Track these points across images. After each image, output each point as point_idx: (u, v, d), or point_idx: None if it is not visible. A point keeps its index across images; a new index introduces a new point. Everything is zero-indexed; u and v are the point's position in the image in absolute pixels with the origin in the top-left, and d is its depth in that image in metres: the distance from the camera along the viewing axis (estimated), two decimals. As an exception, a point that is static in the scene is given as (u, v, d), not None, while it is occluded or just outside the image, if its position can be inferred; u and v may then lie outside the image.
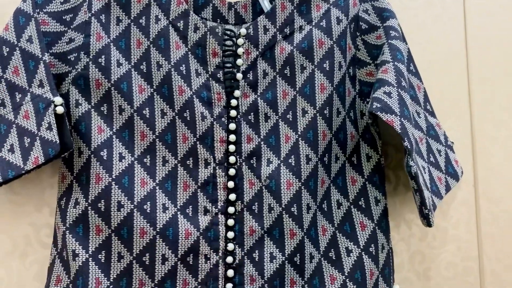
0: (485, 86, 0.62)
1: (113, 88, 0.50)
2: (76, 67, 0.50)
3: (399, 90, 0.50)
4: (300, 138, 0.51)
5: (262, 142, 0.52)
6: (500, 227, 0.60)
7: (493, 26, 0.63)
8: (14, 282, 0.51)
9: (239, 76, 0.52)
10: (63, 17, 0.51)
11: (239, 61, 0.53)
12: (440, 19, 0.63)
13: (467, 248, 0.59)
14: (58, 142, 0.45)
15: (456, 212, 0.59)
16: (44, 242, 0.52)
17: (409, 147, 0.47)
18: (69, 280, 0.47)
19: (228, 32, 0.53)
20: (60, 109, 0.46)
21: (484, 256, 0.59)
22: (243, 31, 0.53)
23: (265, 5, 0.56)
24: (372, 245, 0.53)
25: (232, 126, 0.51)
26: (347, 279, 0.51)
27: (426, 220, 0.49)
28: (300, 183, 0.50)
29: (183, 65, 0.52)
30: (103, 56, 0.51)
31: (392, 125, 0.48)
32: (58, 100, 0.47)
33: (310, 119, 0.52)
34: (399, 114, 0.48)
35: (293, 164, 0.51)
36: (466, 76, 0.62)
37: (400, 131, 0.47)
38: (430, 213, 0.49)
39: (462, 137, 0.61)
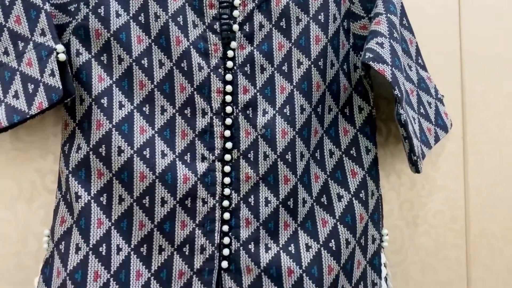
0: (477, 42, 0.63)
1: (112, 38, 0.52)
2: (76, 17, 0.52)
3: (391, 41, 0.51)
4: (295, 89, 0.53)
5: (258, 93, 0.53)
6: (486, 178, 0.62)
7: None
8: (21, 225, 0.54)
9: (235, 27, 0.53)
10: (62, -32, 0.52)
11: (235, 13, 0.54)
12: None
13: (454, 198, 0.62)
14: (61, 87, 0.47)
15: (444, 163, 0.62)
16: (49, 187, 0.55)
17: (399, 95, 0.49)
18: (72, 221, 0.50)
19: (225, -16, 0.54)
20: (62, 56, 0.48)
21: (470, 206, 0.62)
22: (239, -17, 0.54)
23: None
24: (362, 191, 0.55)
25: (229, 77, 0.53)
26: (338, 223, 0.53)
27: (415, 167, 0.52)
28: (294, 132, 0.52)
29: (180, 16, 0.53)
30: (102, 6, 0.52)
31: (384, 74, 0.49)
32: (60, 47, 0.48)
33: (305, 70, 0.53)
34: (390, 63, 0.49)
35: (288, 114, 0.52)
36: (458, 32, 0.63)
37: (391, 80, 0.49)
38: (418, 160, 0.51)
39: (452, 91, 0.62)
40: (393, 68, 0.50)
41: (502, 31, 0.63)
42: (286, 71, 0.54)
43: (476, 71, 0.63)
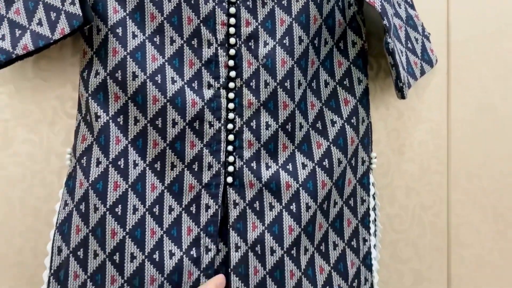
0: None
1: (125, -27, 0.56)
2: (90, -48, 0.55)
3: (381, -25, 0.55)
4: (293, 21, 0.58)
5: (259, 26, 0.58)
6: (468, 111, 0.68)
7: None
8: (45, 146, 0.60)
9: (238, -36, 0.58)
10: None
11: (238, -49, 0.58)
12: None
13: (438, 128, 0.67)
14: (81, 14, 0.51)
15: (429, 96, 0.67)
16: (69, 112, 0.60)
17: (387, 25, 0.54)
18: (92, 138, 0.55)
19: None
20: (80, -13, 0.52)
21: (452, 136, 0.68)
22: None
23: None
24: (354, 117, 0.61)
25: (232, 10, 0.57)
26: (331, 145, 0.59)
27: (401, 93, 0.57)
28: (293, 62, 0.57)
29: (187, -46, 0.57)
30: None
31: (374, 6, 0.54)
32: (79, -21, 0.52)
33: (303, 4, 0.58)
34: None
35: (287, 45, 0.57)
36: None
37: (380, 11, 0.54)
38: (404, 86, 0.57)
39: (438, 30, 0.67)
40: (382, 1, 0.54)
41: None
42: (285, 5, 0.58)
43: (461, 11, 0.67)
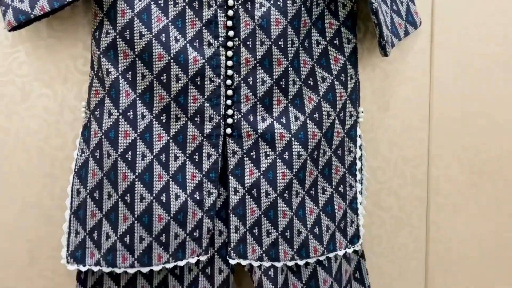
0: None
1: None
2: None
3: None
4: (286, -15, 0.62)
5: (255, -11, 0.63)
6: (451, 71, 0.73)
7: None
8: (59, 100, 0.66)
9: None
10: None
11: None
12: None
13: (420, 88, 0.73)
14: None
15: (413, 57, 0.72)
16: (80, 69, 0.65)
17: (372, -14, 0.59)
18: (104, 92, 0.61)
19: None
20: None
21: (433, 95, 0.73)
22: None
23: None
24: (343, 74, 0.66)
25: (231, -26, 0.62)
26: (321, 99, 0.65)
27: (384, 51, 0.62)
28: (286, 22, 0.62)
29: None
30: None
31: (360, -31, 0.59)
32: None
33: (295, -31, 0.62)
34: None
35: (281, 6, 0.62)
36: None
37: (366, -26, 0.59)
38: (387, 44, 0.62)
39: (423, -6, 0.72)
40: (369, -35, 0.59)
41: None
42: (279, -30, 0.63)
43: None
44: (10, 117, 0.65)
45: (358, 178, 0.68)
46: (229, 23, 0.62)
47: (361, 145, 0.69)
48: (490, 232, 0.77)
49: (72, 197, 0.62)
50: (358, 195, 0.68)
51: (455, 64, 0.73)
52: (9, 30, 0.58)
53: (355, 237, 0.68)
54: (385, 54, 0.62)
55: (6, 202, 0.67)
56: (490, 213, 0.76)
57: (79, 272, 0.63)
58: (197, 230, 0.62)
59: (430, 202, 0.75)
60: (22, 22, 0.57)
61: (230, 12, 0.62)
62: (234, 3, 0.62)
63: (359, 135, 0.69)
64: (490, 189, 0.76)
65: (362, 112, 0.69)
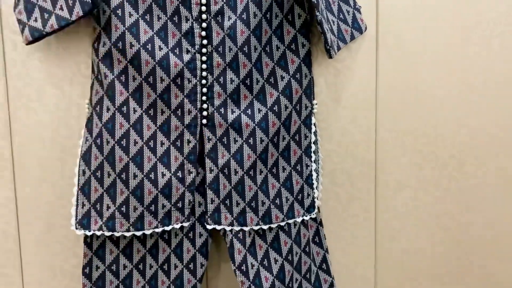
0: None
1: (121, -34, 0.74)
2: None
3: (313, -34, 0.73)
4: (250, 0, 0.76)
5: (224, 4, 0.76)
6: (394, 67, 0.87)
7: None
8: (66, 98, 0.80)
9: (207, -42, 0.75)
10: None
11: None
12: None
13: (367, 82, 0.87)
14: (90, 1, 0.70)
15: (361, 56, 0.86)
16: (84, 73, 0.80)
17: (315, 2, 0.72)
18: (103, 92, 0.75)
19: None
20: (89, -20, 0.71)
21: (378, 88, 0.87)
22: None
23: None
24: (298, 73, 0.80)
25: (204, -7, 0.76)
26: (280, 94, 0.79)
27: (328, 54, 0.76)
28: (249, 31, 0.76)
29: (168, -50, 0.75)
30: None
31: (306, -11, 0.72)
32: (87, -26, 0.71)
33: (255, -12, 0.76)
34: None
35: (245, 19, 0.76)
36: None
37: (310, -7, 0.72)
38: (331, 48, 0.76)
39: (368, 3, 0.85)
40: (313, -15, 0.73)
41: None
42: (243, -12, 0.76)
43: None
44: (28, 113, 0.80)
45: (313, 159, 0.83)
46: (203, 33, 0.76)
47: (315, 131, 0.83)
48: (429, 203, 0.91)
49: (78, 176, 0.77)
50: (313, 173, 0.82)
51: (396, 62, 0.87)
52: (26, 44, 0.73)
53: (311, 207, 0.82)
54: (330, 56, 0.76)
55: (26, 181, 0.82)
56: (429, 188, 0.91)
57: (85, 237, 0.78)
58: (180, 202, 0.77)
59: (377, 179, 0.90)
60: (37, 37, 0.72)
61: (204, 25, 0.76)
62: (207, 16, 0.76)
63: (314, 123, 0.83)
64: (428, 167, 0.90)
65: (316, 104, 0.83)
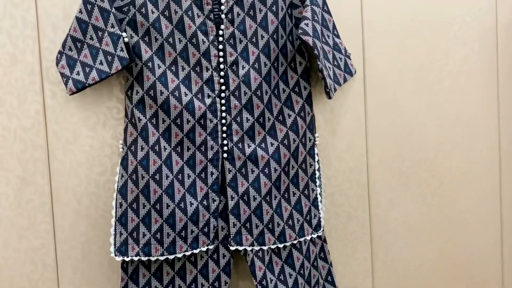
0: (375, 20, 1.01)
1: (150, 26, 0.86)
2: (128, 15, 0.86)
3: (313, 22, 0.88)
4: (260, 52, 0.90)
5: (238, 56, 0.90)
6: (380, 104, 1.02)
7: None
8: (100, 139, 0.91)
9: (223, 16, 0.89)
10: (118, -16, 0.85)
11: (222, 7, 0.89)
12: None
13: (358, 117, 1.01)
14: (128, 57, 0.82)
15: (352, 96, 1.01)
16: (115, 117, 0.91)
17: (317, 54, 0.87)
18: (137, 134, 0.86)
19: (215, -11, 0.89)
20: (126, 40, 0.83)
21: (368, 121, 1.02)
22: (224, -12, 0.89)
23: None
24: (302, 112, 0.94)
25: (221, 46, 0.89)
26: (289, 130, 0.92)
27: (328, 95, 0.90)
28: (261, 78, 0.89)
29: (189, 11, 0.88)
30: (143, 8, 0.86)
31: (308, 42, 0.86)
32: (125, 34, 0.83)
33: (266, 41, 0.90)
34: (311, 35, 0.86)
35: (257, 68, 0.89)
36: (360, 11, 1.01)
37: (312, 45, 0.86)
38: (330, 91, 0.90)
39: (356, 49, 1.00)
40: (314, 38, 0.87)
41: (399, 22, 1.01)
42: (254, 41, 0.90)
43: (373, 40, 1.01)
44: (65, 153, 0.90)
45: (317, 184, 0.95)
46: (221, 80, 0.89)
47: (318, 160, 0.96)
48: (417, 219, 1.05)
49: (116, 208, 0.86)
50: (318, 196, 0.95)
51: (381, 99, 1.02)
52: (70, 94, 0.83)
53: (318, 226, 0.95)
54: (329, 97, 0.90)
55: (63, 215, 0.90)
56: (415, 205, 1.05)
57: (123, 262, 0.87)
58: (206, 227, 0.88)
59: (370, 199, 1.03)
60: (80, 88, 0.83)
61: (222, 73, 0.89)
62: (224, 66, 0.89)
63: (317, 153, 0.96)
64: (414, 187, 1.05)
65: (318, 137, 0.96)
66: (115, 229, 0.86)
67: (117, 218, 0.86)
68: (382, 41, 1.02)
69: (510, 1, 1.08)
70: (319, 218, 0.95)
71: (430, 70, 1.04)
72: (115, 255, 0.85)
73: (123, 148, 0.88)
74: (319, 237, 0.98)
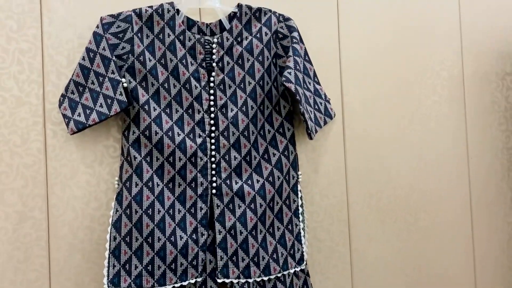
0: (353, 67, 1.11)
1: (147, 73, 0.94)
2: (127, 62, 0.94)
3: (295, 70, 0.97)
4: (248, 97, 0.98)
5: (228, 100, 0.98)
6: (356, 144, 1.10)
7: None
8: (96, 176, 0.96)
9: (214, 64, 0.98)
10: (118, 35, 0.94)
11: (214, 57, 0.98)
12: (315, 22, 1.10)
13: (337, 155, 1.09)
14: (126, 101, 0.89)
15: (332, 137, 1.09)
16: (112, 155, 0.97)
17: (298, 99, 0.95)
18: (132, 171, 0.92)
19: (207, 41, 0.98)
20: (125, 85, 0.91)
21: (347, 160, 1.09)
22: (215, 40, 0.98)
23: (227, 24, 1.01)
24: (286, 151, 1.01)
25: (212, 91, 0.97)
26: (273, 168, 0.99)
27: (309, 136, 0.98)
28: (248, 120, 0.97)
29: (184, 60, 0.96)
30: (141, 56, 0.94)
31: (290, 88, 0.95)
32: (124, 80, 0.91)
33: (253, 86, 0.99)
34: (294, 82, 0.95)
35: (245, 110, 0.97)
36: (339, 60, 1.11)
37: (294, 91, 0.95)
38: (311, 132, 0.98)
39: (335, 96, 1.09)
40: (296, 85, 0.96)
41: (377, 59, 1.12)
42: (242, 87, 0.98)
43: (351, 86, 1.10)
44: (64, 189, 0.95)
45: (300, 219, 1.02)
46: (212, 122, 0.97)
47: (301, 196, 1.03)
48: (393, 252, 1.11)
49: (110, 241, 0.91)
50: (302, 231, 1.01)
51: (359, 140, 1.11)
52: (71, 134, 0.90)
53: (301, 260, 1.00)
54: (311, 138, 0.98)
55: (59, 246, 0.94)
56: (392, 239, 1.11)
57: (114, 294, 0.91)
58: (195, 260, 0.93)
59: (351, 234, 1.09)
60: (80, 129, 0.89)
61: (212, 115, 0.97)
62: (214, 109, 0.97)
63: (300, 190, 1.03)
64: (390, 223, 1.11)
65: (301, 174, 1.03)
66: (109, 261, 0.90)
67: (110, 251, 0.91)
68: (359, 87, 1.12)
69: (474, 54, 1.19)
70: (302, 252, 1.01)
71: (404, 115, 1.13)
72: (108, 287, 0.89)
73: (118, 184, 0.94)
74: (302, 270, 1.02)
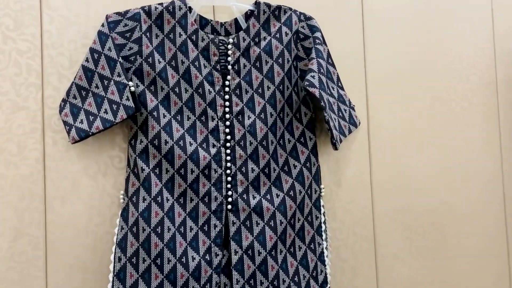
0: (379, 71, 1.02)
1: (157, 76, 0.86)
2: (135, 64, 0.85)
3: (319, 74, 0.88)
4: (266, 103, 0.89)
5: (244, 106, 0.89)
6: (383, 155, 1.01)
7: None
8: (100, 188, 0.87)
9: (229, 67, 0.89)
10: (125, 35, 0.85)
11: (229, 59, 0.89)
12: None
13: (362, 168, 1.00)
14: (133, 106, 0.81)
15: (356, 147, 1.00)
16: (116, 166, 0.88)
17: (323, 105, 0.87)
18: (139, 184, 0.83)
19: (222, 41, 0.89)
20: (132, 89, 0.82)
21: (372, 173, 1.01)
22: (230, 40, 0.90)
23: (243, 23, 0.92)
24: (308, 162, 0.92)
25: (227, 97, 0.88)
26: (294, 181, 0.90)
27: (334, 146, 0.89)
28: (266, 128, 0.89)
29: (196, 62, 0.88)
30: (150, 57, 0.86)
31: (314, 94, 0.86)
32: (131, 83, 0.82)
33: (272, 91, 0.90)
34: (318, 87, 0.87)
35: (263, 118, 0.89)
36: (363, 64, 1.02)
37: (318, 97, 0.86)
38: (336, 142, 0.89)
39: (360, 103, 1.01)
40: (320, 90, 0.87)
41: (403, 64, 1.03)
42: (260, 92, 0.90)
43: (377, 92, 1.02)
44: (64, 203, 0.86)
45: (323, 237, 0.93)
46: (227, 130, 0.88)
47: (324, 212, 0.94)
48: (421, 272, 1.02)
49: (114, 262, 0.82)
50: (325, 250, 0.92)
51: (385, 150, 1.02)
52: (72, 143, 0.81)
53: (324, 283, 0.91)
54: (336, 148, 0.90)
55: (58, 267, 0.85)
56: (419, 258, 1.02)
57: (119, 321, 0.81)
58: (208, 284, 0.83)
59: (376, 253, 1.00)
60: (83, 137, 0.81)
61: (227, 123, 0.88)
62: (230, 116, 0.88)
63: (322, 205, 0.94)
64: (418, 240, 1.02)
65: (323, 188, 0.94)
66: (113, 285, 0.81)
67: (115, 273, 0.82)
68: (385, 93, 1.03)
69: (508, 58, 1.11)
70: (326, 273, 0.91)
71: (433, 123, 1.05)
72: (112, 314, 0.80)
73: (124, 199, 0.85)
74: (325, 293, 0.94)
